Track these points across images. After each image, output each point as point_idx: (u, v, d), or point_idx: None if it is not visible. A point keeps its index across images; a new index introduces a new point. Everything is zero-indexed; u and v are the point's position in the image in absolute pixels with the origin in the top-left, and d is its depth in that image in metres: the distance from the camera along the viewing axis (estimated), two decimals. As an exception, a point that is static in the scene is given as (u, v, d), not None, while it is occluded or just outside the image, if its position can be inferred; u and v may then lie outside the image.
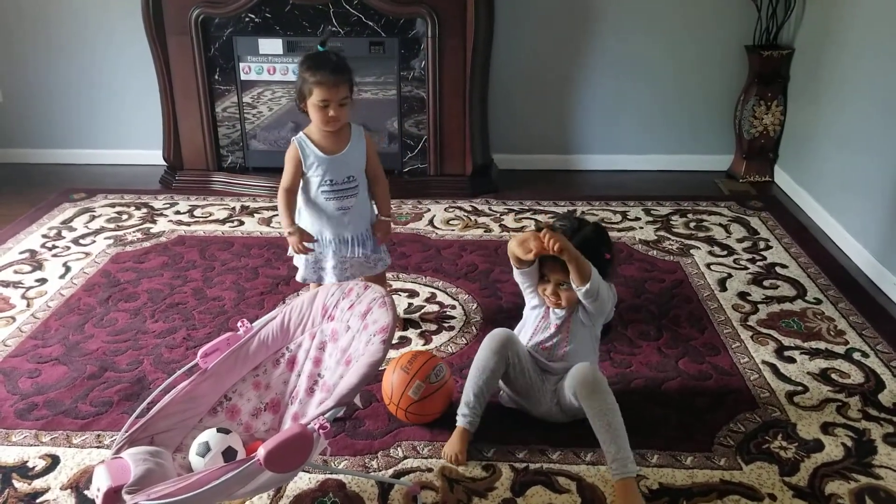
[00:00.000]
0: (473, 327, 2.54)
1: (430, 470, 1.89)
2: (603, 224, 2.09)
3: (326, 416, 1.49)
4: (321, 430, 1.45)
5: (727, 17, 3.79)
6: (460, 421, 1.97)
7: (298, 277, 2.37)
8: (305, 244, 2.22)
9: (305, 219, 2.29)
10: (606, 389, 1.85)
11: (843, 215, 3.17)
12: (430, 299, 2.72)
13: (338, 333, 1.82)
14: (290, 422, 1.81)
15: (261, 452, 1.39)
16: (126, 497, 1.43)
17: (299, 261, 2.34)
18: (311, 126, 2.26)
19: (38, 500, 1.81)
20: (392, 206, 2.49)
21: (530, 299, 2.07)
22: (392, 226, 2.48)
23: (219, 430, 1.70)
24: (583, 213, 3.48)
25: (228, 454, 1.66)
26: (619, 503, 1.77)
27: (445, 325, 2.56)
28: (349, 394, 1.54)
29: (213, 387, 1.79)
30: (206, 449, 1.65)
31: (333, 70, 2.13)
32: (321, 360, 1.83)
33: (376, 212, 2.39)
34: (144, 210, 3.54)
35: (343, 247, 2.29)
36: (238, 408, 1.82)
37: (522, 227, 3.32)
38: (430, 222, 3.39)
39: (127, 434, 1.63)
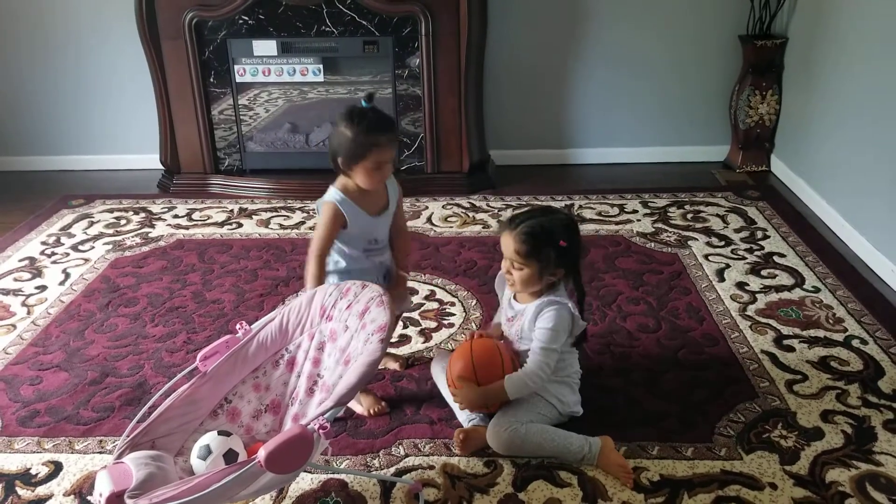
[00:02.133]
0: (473, 324, 2.54)
1: (431, 467, 1.90)
2: (574, 219, 1.98)
3: (326, 416, 1.49)
4: (321, 431, 1.46)
5: (720, 7, 3.78)
6: (467, 424, 1.99)
7: None
8: None
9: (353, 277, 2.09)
10: (520, 441, 1.87)
11: (839, 203, 3.17)
12: (430, 297, 2.73)
13: (336, 333, 1.82)
14: (290, 423, 1.81)
15: (261, 454, 1.40)
16: (128, 502, 1.44)
17: None
18: (345, 183, 2.04)
19: (42, 507, 1.82)
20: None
21: None
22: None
23: (219, 433, 1.71)
24: (580, 206, 3.48)
25: (229, 456, 1.66)
26: (610, 468, 1.85)
27: (445, 322, 2.56)
28: (349, 393, 1.54)
29: (213, 390, 1.79)
30: (207, 452, 1.66)
31: (389, 129, 1.98)
32: (320, 360, 1.83)
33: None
34: (143, 214, 3.55)
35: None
36: (238, 410, 1.83)
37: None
38: (429, 220, 3.39)
39: (128, 439, 1.64)
